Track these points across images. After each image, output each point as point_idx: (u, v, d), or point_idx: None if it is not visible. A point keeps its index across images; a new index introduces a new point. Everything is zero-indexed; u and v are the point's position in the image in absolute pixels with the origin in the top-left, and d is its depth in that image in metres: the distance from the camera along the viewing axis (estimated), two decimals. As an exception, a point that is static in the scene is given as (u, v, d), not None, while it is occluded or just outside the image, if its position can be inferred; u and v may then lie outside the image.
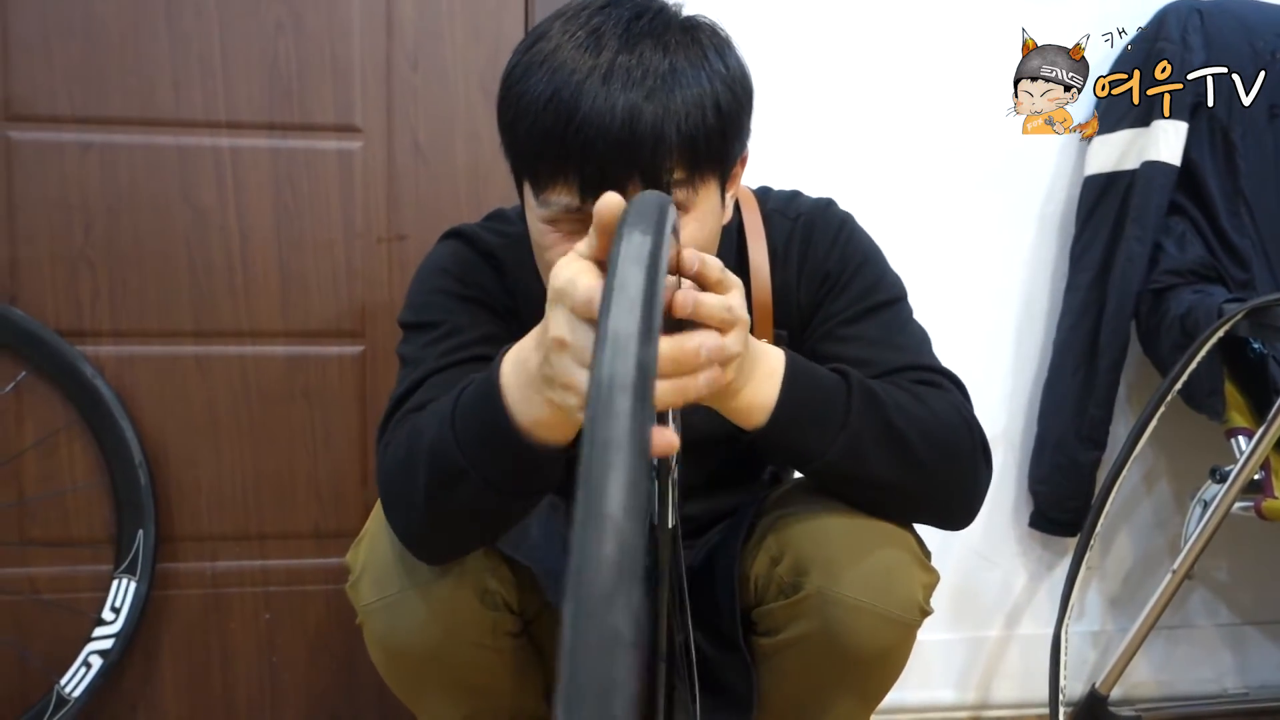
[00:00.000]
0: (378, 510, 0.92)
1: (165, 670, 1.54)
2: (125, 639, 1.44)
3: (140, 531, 1.45)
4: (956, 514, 0.92)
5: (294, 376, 1.53)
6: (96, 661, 1.43)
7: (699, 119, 0.80)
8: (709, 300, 0.68)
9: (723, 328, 0.69)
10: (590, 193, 0.79)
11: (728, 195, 0.91)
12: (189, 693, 1.55)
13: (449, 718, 0.96)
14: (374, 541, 0.91)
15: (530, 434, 0.74)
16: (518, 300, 0.99)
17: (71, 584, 1.49)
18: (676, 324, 0.69)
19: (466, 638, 0.90)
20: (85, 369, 1.44)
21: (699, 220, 0.85)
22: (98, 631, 1.44)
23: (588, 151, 0.78)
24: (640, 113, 0.78)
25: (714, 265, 0.70)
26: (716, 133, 0.82)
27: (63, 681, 1.43)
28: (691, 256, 0.68)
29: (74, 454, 1.49)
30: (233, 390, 1.51)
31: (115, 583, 1.45)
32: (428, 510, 0.82)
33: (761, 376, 0.80)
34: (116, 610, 1.44)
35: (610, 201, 0.64)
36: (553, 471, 0.78)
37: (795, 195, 1.06)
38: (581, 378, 0.64)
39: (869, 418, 0.83)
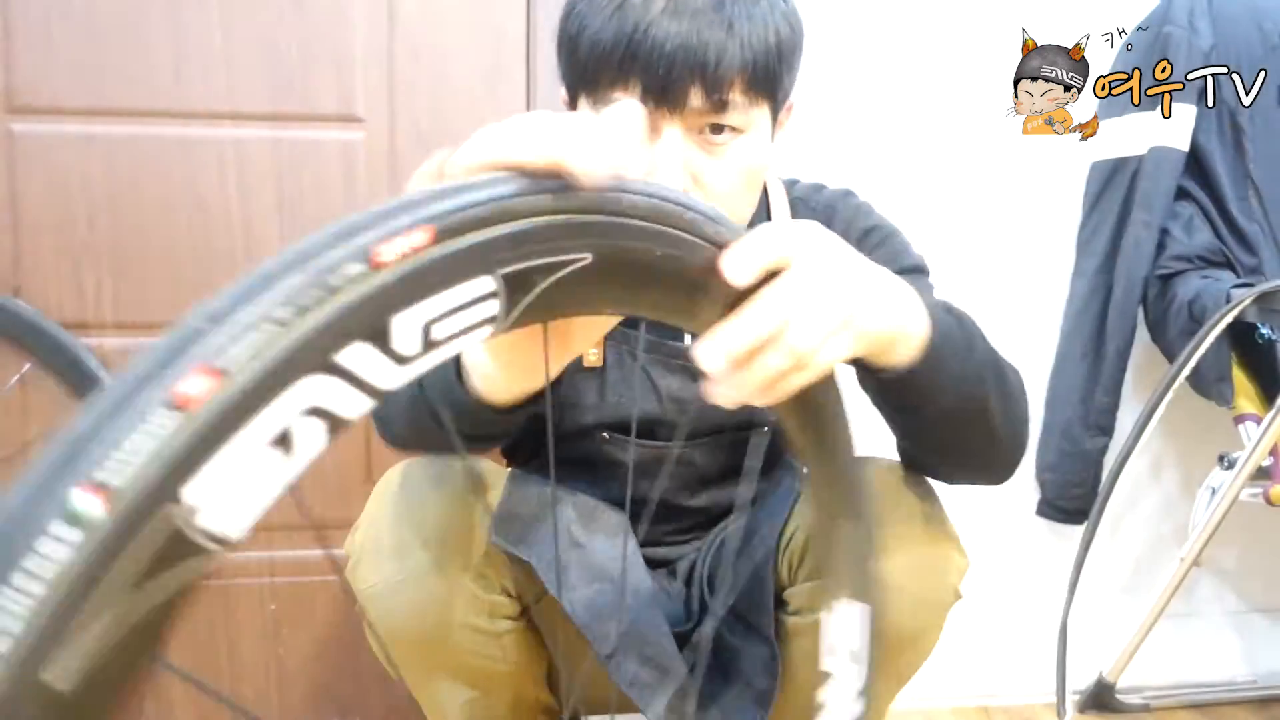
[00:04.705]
0: (375, 494, 0.92)
1: (171, 661, 1.54)
2: (132, 630, 1.44)
3: (146, 523, 1.45)
4: (1009, 459, 0.86)
5: (298, 367, 1.53)
6: (104, 653, 1.44)
7: (762, 40, 0.83)
8: (750, 335, 0.52)
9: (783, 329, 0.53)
10: (651, 96, 0.81)
11: (776, 134, 0.93)
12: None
13: (450, 703, 0.96)
14: (371, 526, 0.91)
15: (477, 389, 0.73)
16: None
17: (78, 576, 1.50)
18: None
19: (464, 621, 0.90)
20: (89, 361, 1.44)
21: (751, 145, 0.87)
22: (105, 623, 1.44)
23: (653, 55, 0.80)
24: (708, 23, 0.80)
25: (753, 251, 0.51)
26: (775, 57, 0.84)
27: (70, 673, 1.43)
28: (737, 267, 0.50)
29: (79, 446, 1.49)
30: (237, 382, 1.51)
31: (121, 574, 1.45)
32: (407, 426, 0.86)
33: (905, 305, 0.68)
34: (123, 602, 1.44)
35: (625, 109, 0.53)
36: (504, 424, 0.77)
37: (820, 187, 1.08)
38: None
39: (976, 341, 0.78)
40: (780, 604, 0.96)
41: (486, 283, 0.40)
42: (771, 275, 0.53)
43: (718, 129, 0.85)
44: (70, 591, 0.29)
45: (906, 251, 1.01)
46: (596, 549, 0.96)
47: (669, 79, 0.81)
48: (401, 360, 0.37)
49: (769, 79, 0.85)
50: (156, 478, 0.30)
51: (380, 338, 0.36)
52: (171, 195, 1.47)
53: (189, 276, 1.48)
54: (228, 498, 0.32)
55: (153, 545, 0.30)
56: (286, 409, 0.34)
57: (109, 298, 1.47)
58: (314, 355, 0.35)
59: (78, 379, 1.44)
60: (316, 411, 0.35)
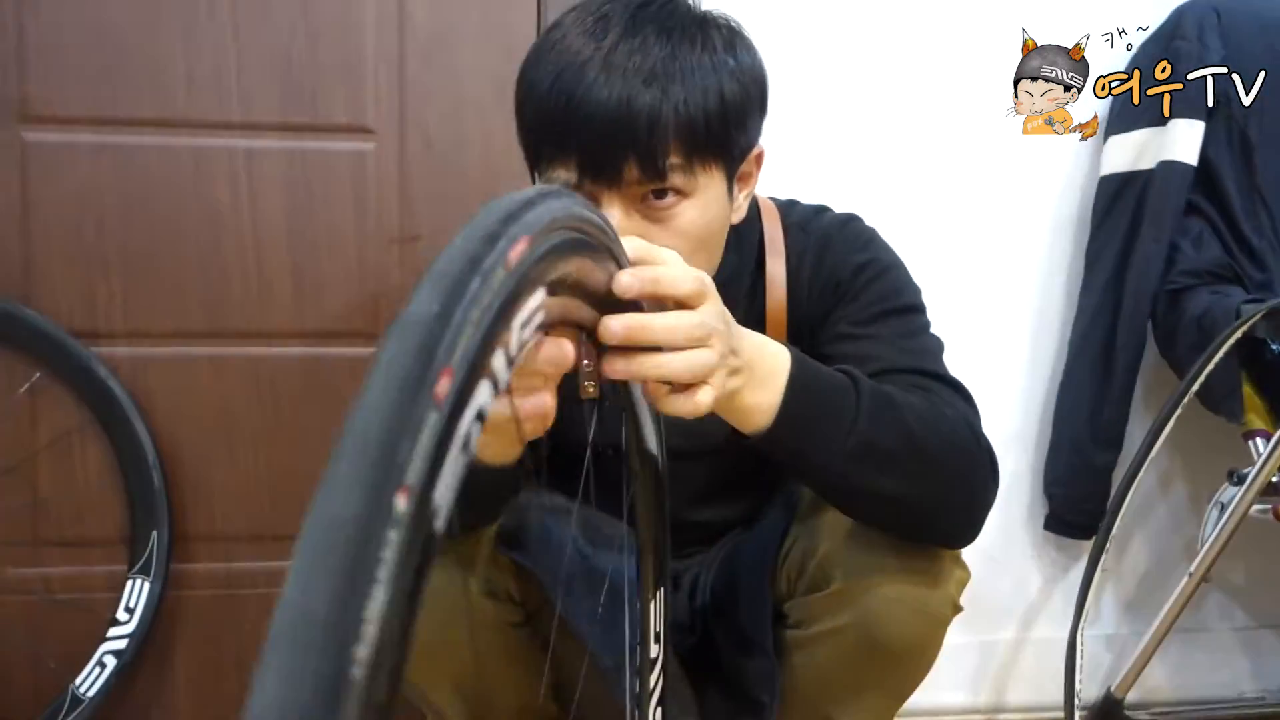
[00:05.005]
0: None
1: (179, 671, 1.54)
2: (139, 639, 1.44)
3: (154, 532, 1.45)
4: (961, 528, 0.88)
5: (308, 377, 1.53)
6: (111, 661, 1.44)
7: (699, 104, 0.82)
8: (655, 325, 0.62)
9: (688, 345, 0.65)
10: (588, 171, 0.82)
11: (738, 191, 0.91)
12: (203, 693, 1.55)
13: (454, 712, 0.96)
14: None
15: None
16: None
17: (86, 584, 1.50)
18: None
19: (468, 626, 0.90)
20: (99, 370, 1.44)
21: (699, 207, 0.85)
22: (112, 632, 1.44)
23: (585, 130, 0.80)
24: (638, 94, 0.80)
25: (668, 280, 0.64)
26: (717, 119, 0.83)
27: (77, 681, 1.43)
28: (628, 280, 0.59)
29: (88, 455, 1.49)
30: (246, 391, 1.52)
31: (129, 583, 1.45)
32: None
33: (762, 376, 0.76)
34: (131, 610, 1.44)
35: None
36: (498, 488, 0.78)
37: (821, 210, 1.05)
38: None
39: (881, 421, 0.80)
40: (779, 617, 0.96)
41: (540, 293, 0.42)
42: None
43: (660, 194, 0.84)
44: (394, 599, 0.27)
45: (900, 289, 0.98)
46: (600, 561, 0.96)
47: (603, 154, 0.81)
48: (510, 364, 0.38)
49: (713, 141, 0.84)
50: (429, 476, 0.30)
51: (507, 341, 0.37)
52: (182, 205, 1.48)
53: (199, 286, 1.49)
54: (446, 501, 0.31)
55: (422, 549, 0.29)
56: (471, 411, 0.34)
57: (119, 307, 1.48)
58: (487, 357, 0.35)
59: (87, 388, 1.45)
60: (480, 415, 0.35)
